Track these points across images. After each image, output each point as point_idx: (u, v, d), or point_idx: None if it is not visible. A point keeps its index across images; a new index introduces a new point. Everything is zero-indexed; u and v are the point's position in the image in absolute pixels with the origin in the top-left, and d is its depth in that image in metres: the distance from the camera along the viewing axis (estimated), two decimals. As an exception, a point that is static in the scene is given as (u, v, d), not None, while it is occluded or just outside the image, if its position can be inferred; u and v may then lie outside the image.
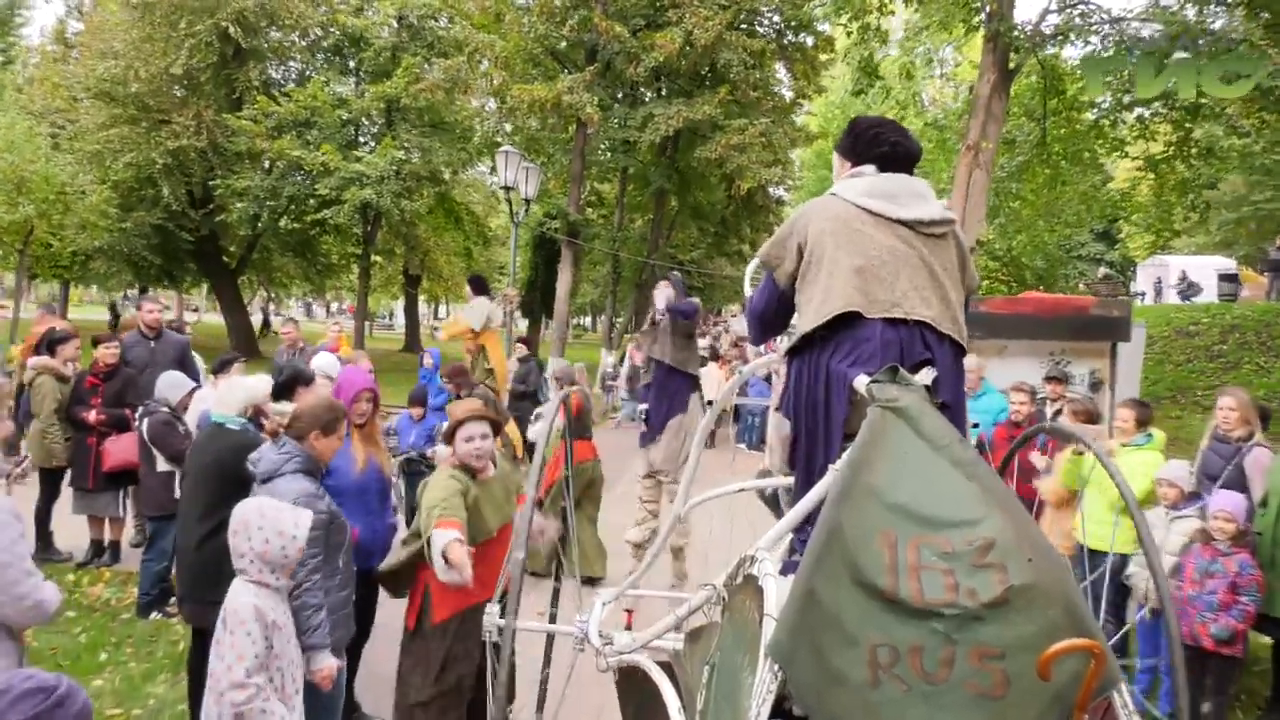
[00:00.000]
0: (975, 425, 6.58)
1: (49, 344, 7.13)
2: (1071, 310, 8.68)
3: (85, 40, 26.57)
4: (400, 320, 46.51)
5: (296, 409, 3.96)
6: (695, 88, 19.18)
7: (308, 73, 26.32)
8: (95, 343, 7.14)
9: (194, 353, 8.60)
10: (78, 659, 5.70)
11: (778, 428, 3.27)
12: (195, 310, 51.32)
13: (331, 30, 25.85)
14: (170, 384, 6.50)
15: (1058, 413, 6.68)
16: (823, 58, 22.95)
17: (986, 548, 1.82)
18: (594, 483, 7.43)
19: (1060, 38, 13.78)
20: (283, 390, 5.11)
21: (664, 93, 20.14)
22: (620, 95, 20.32)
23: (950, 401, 2.53)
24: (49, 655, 5.70)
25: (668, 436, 6.73)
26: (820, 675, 1.82)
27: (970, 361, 7.23)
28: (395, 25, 25.91)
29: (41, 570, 7.11)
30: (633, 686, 3.22)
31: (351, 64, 26.90)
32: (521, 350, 11.49)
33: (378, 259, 29.48)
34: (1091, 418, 6.12)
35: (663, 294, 6.76)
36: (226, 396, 4.45)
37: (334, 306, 59.80)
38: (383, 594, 4.56)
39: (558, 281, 19.92)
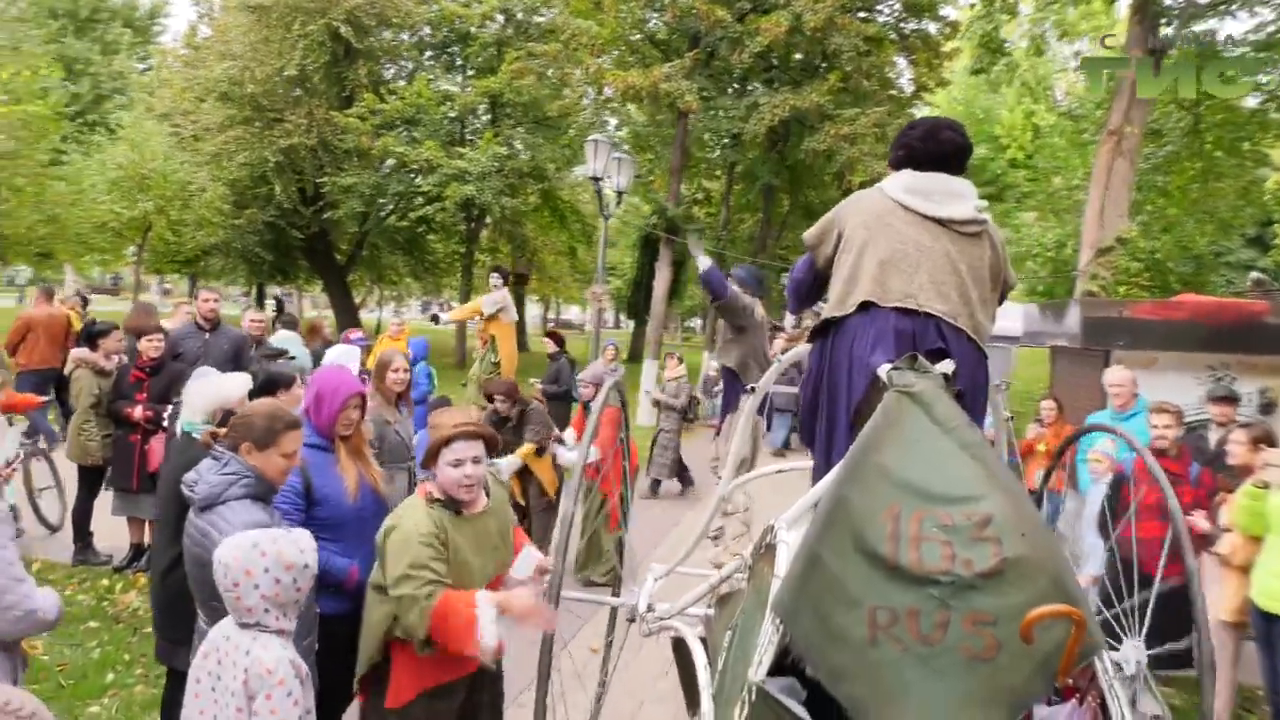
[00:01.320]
0: (1010, 417, 5.74)
1: (89, 336, 6.75)
2: (1240, 317, 7.33)
3: (209, 44, 27.32)
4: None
5: (234, 416, 3.23)
6: (805, 78, 18.09)
7: (415, 70, 26.34)
8: (138, 334, 6.73)
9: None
10: (84, 678, 5.21)
11: None
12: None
13: (440, 27, 25.83)
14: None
15: (1223, 441, 5.47)
16: (946, 46, 21.46)
17: (984, 522, 1.96)
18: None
19: (1220, 7, 12.14)
20: (259, 396, 4.32)
21: (774, 83, 19.09)
22: (730, 88, 19.38)
23: (966, 390, 2.62)
24: (56, 671, 5.25)
25: (722, 437, 6.57)
26: (822, 633, 1.96)
27: (1118, 374, 6.21)
28: (501, 20, 25.70)
29: (79, 573, 6.82)
30: (688, 656, 3.28)
31: (458, 61, 26.83)
32: (551, 346, 10.73)
33: (482, 257, 29.37)
34: (1272, 445, 4.91)
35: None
36: (195, 398, 3.75)
37: (451, 304, 60.67)
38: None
39: (655, 280, 19.13)
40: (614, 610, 4.32)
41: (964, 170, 2.90)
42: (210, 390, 3.80)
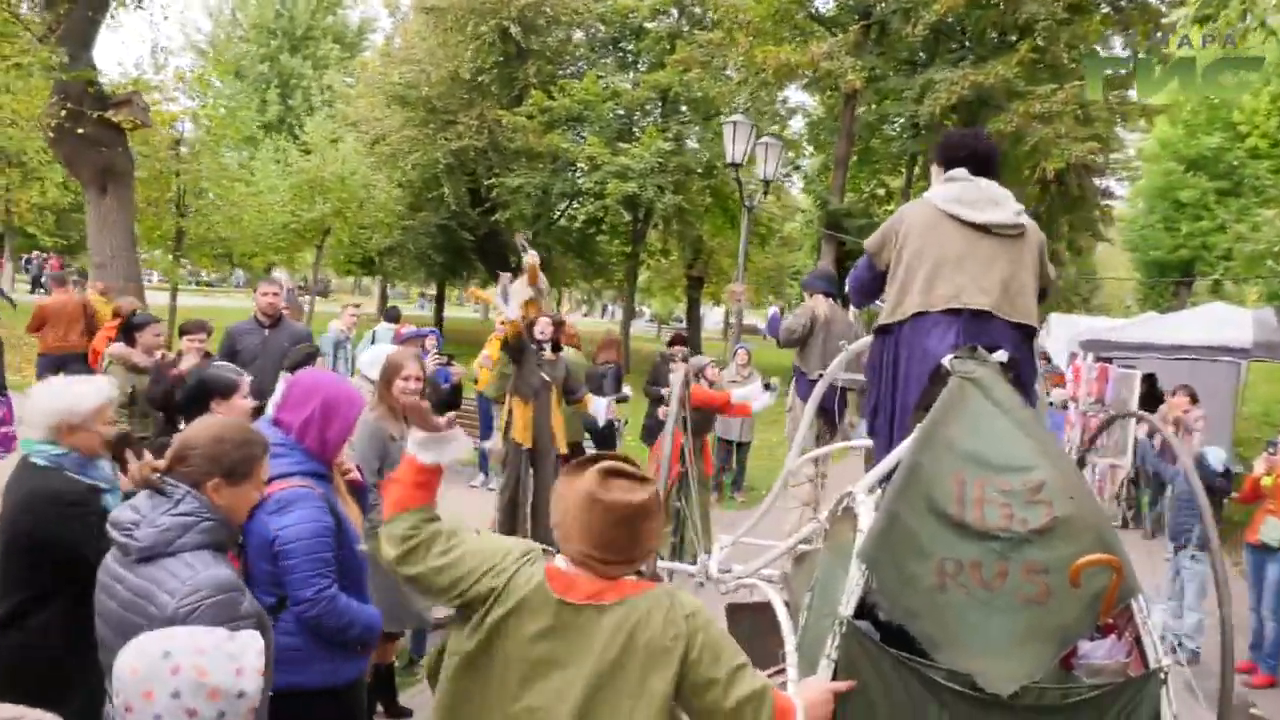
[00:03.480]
0: (1052, 402, 5.93)
1: (127, 329, 6.23)
2: None
3: (398, 52, 28.03)
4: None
5: (185, 438, 2.48)
6: (993, 54, 15.98)
7: (588, 68, 25.93)
8: (182, 332, 6.16)
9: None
10: None
11: None
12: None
13: (611, 22, 25.34)
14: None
15: None
16: (1170, 17, 18.60)
17: (1038, 488, 2.32)
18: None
19: None
20: (188, 409, 3.62)
21: (961, 61, 17.06)
22: (918, 67, 17.45)
23: (1010, 365, 2.89)
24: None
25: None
26: (898, 578, 2.29)
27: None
28: (675, 14, 24.87)
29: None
30: (740, 620, 3.60)
31: (630, 57, 26.23)
32: (681, 351, 9.43)
33: (651, 259, 28.61)
34: None
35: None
36: (34, 410, 2.87)
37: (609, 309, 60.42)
38: None
39: (815, 281, 17.52)
40: (671, 575, 4.45)
41: (994, 173, 3.24)
42: (51, 399, 2.89)
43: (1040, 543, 2.23)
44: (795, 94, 23.50)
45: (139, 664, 1.79)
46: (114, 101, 13.96)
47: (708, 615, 2.07)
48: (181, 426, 4.13)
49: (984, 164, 3.22)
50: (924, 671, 2.17)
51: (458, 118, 23.98)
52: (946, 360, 2.77)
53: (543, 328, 7.08)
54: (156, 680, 1.77)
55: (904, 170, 22.65)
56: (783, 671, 2.69)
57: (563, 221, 26.51)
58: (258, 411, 5.70)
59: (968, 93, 14.48)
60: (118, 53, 79.82)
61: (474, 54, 23.48)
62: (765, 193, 13.00)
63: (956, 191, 3.10)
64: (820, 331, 6.61)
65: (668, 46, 24.17)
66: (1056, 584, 2.19)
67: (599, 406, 7.14)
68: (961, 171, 3.16)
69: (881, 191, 26.45)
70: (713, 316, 50.24)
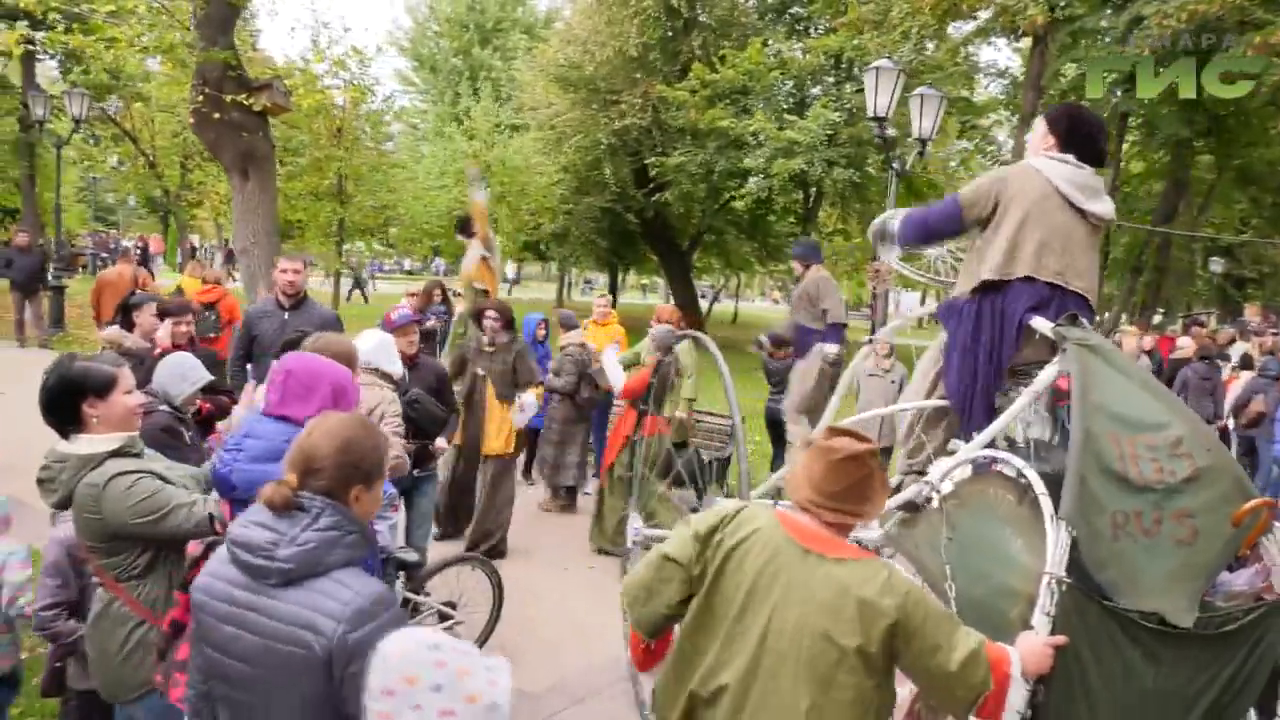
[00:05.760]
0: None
1: (125, 309, 5.55)
2: None
3: (563, 33, 27.59)
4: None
5: (307, 447, 2.16)
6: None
7: (754, 36, 24.43)
8: (162, 314, 5.42)
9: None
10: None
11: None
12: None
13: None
14: (174, 373, 4.43)
15: None
16: None
17: (1178, 442, 2.61)
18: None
19: None
20: (53, 413, 2.94)
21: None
22: (1126, 5, 14.83)
23: None
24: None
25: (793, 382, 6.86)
26: (1087, 534, 2.49)
27: None
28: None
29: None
30: None
31: (800, 24, 24.47)
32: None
33: (826, 241, 26.74)
34: None
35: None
36: None
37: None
38: None
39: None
40: None
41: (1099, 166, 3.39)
42: None
43: (1188, 491, 2.56)
44: (986, 53, 21.05)
45: (406, 648, 1.82)
46: (253, 86, 13.98)
47: (920, 588, 2.32)
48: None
49: (1098, 159, 3.34)
50: (1125, 615, 2.39)
51: (620, 96, 23.14)
52: (1045, 326, 3.05)
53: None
54: (423, 667, 1.79)
55: (1113, 131, 19.69)
56: None
57: (735, 202, 25.17)
58: (205, 415, 4.81)
59: (1185, 25, 11.82)
60: (285, 43, 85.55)
61: (639, 29, 22.56)
62: (921, 152, 11.08)
63: (1068, 173, 3.23)
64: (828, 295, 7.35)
65: (841, 7, 22.25)
66: (1203, 525, 2.55)
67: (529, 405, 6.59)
68: (1071, 157, 3.27)
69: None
70: (906, 301, 47.16)
